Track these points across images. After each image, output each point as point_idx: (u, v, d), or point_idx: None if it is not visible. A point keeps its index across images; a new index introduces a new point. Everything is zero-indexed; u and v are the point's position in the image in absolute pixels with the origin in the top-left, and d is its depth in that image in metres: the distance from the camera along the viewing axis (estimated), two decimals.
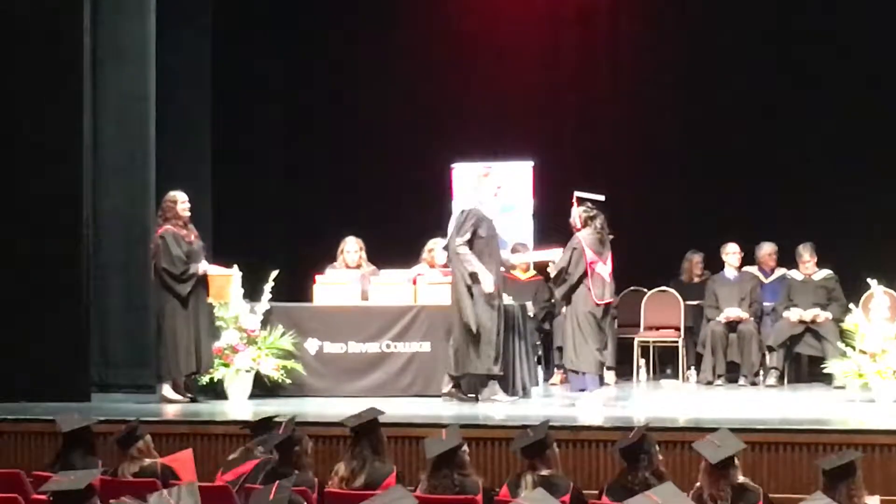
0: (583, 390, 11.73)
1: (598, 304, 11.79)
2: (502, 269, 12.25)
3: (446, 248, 12.28)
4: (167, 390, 12.04)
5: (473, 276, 11.76)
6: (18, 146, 12.20)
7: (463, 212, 12.09)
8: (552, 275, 11.97)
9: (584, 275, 11.73)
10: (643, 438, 7.34)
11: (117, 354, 13.02)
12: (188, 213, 12.19)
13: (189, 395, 12.12)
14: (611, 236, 12.00)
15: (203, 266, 12.09)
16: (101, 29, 12.86)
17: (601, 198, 12.03)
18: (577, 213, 11.92)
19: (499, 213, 12.54)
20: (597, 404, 11.58)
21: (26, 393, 11.78)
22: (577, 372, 11.82)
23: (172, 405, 11.85)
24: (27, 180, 12.16)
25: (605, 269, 11.84)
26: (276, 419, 8.45)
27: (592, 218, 11.88)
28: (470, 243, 11.83)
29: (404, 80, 16.16)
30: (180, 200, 12.18)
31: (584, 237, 11.82)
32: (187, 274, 11.98)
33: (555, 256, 12.05)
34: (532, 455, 7.45)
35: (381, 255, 13.35)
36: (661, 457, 7.41)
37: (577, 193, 11.97)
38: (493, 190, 12.38)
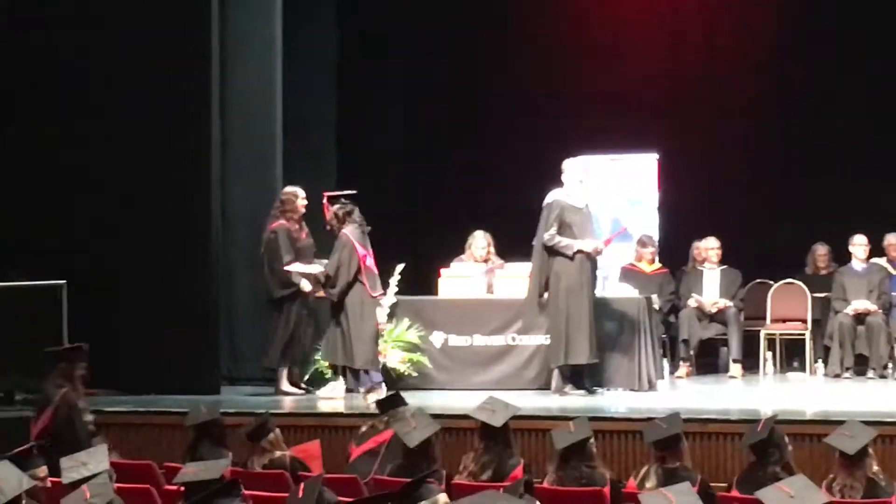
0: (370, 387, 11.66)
1: (373, 297, 11.81)
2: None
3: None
4: (284, 384, 12.17)
5: (578, 254, 11.74)
6: (151, 147, 12.43)
7: (544, 206, 12.01)
8: (322, 280, 11.87)
9: (359, 271, 11.73)
10: (772, 432, 7.29)
11: (245, 348, 13.20)
12: (304, 210, 12.33)
13: (304, 387, 12.26)
14: (368, 228, 11.98)
15: (304, 285, 12.15)
16: (229, 27, 13.03)
17: (352, 192, 12.02)
18: (333, 212, 11.86)
19: (628, 207, 12.31)
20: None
21: (158, 386, 12.01)
22: (355, 370, 11.79)
23: (292, 398, 11.98)
24: (158, 180, 12.39)
25: (371, 261, 11.87)
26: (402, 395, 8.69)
27: (350, 213, 11.84)
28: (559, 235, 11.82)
29: (529, 72, 16.10)
30: (300, 196, 12.32)
31: (351, 233, 11.80)
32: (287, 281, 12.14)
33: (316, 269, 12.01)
34: (663, 448, 7.43)
35: (506, 248, 13.36)
36: (790, 448, 7.36)
37: (326, 194, 11.94)
38: (578, 179, 12.10)
